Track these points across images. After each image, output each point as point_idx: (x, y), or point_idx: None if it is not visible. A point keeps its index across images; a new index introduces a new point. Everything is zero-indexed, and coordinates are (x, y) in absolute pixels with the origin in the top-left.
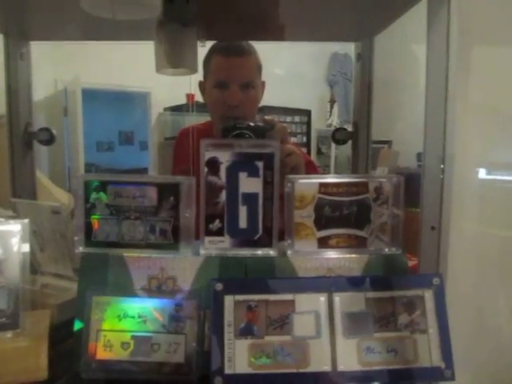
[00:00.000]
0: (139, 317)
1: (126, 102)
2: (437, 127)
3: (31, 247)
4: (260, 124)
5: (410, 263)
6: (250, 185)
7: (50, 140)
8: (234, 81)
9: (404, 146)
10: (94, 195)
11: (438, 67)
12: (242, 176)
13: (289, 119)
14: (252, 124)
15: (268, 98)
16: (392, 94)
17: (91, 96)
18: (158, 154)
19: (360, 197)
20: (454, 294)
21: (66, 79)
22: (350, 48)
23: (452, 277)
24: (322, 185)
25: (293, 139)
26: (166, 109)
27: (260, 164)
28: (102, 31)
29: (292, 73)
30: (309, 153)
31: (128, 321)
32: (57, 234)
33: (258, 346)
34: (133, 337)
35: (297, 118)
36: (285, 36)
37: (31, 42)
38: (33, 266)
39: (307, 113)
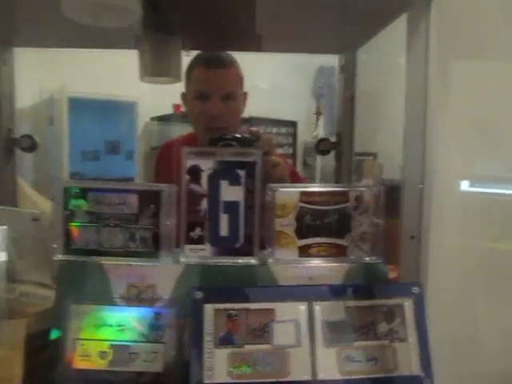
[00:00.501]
0: (118, 326)
1: (113, 111)
2: (417, 139)
3: (10, 255)
4: (246, 135)
5: (391, 275)
6: (231, 193)
7: (32, 147)
8: (214, 92)
9: (388, 159)
10: (73, 202)
11: (418, 80)
12: (224, 184)
13: (275, 130)
14: (238, 135)
15: (255, 110)
16: (376, 107)
17: (77, 105)
18: (143, 163)
19: (341, 206)
20: (435, 304)
21: (52, 88)
22: (335, 61)
23: (433, 286)
24: (303, 194)
25: (279, 150)
26: (152, 118)
27: (242, 172)
28: (87, 39)
29: (279, 85)
30: (295, 164)
31: (106, 330)
32: (36, 242)
33: (238, 355)
34: (111, 346)
35: (283, 130)
36: (268, 47)
37: (15, 48)
38: (11, 274)
39: (293, 124)
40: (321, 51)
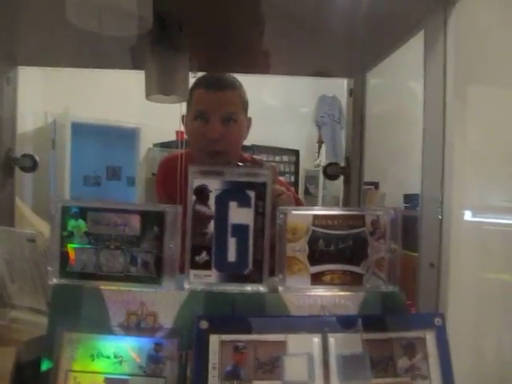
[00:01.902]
0: (115, 357)
1: (116, 137)
2: (434, 167)
3: (2, 277)
4: (248, 164)
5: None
6: (240, 215)
7: (32, 167)
8: (214, 113)
9: (391, 188)
10: (72, 222)
11: (435, 105)
12: (233, 206)
13: (277, 159)
14: (240, 164)
15: (257, 138)
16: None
17: (80, 130)
18: (145, 189)
19: (356, 230)
20: (453, 335)
21: (55, 112)
22: (337, 90)
23: (452, 317)
24: (316, 217)
25: (281, 178)
26: (155, 145)
27: (252, 193)
28: (92, 58)
29: (281, 114)
30: (297, 192)
31: (102, 361)
32: (31, 264)
33: None
34: (106, 379)
35: (285, 158)
36: (277, 70)
37: (19, 67)
38: (3, 298)
39: (295, 153)
40: (330, 75)
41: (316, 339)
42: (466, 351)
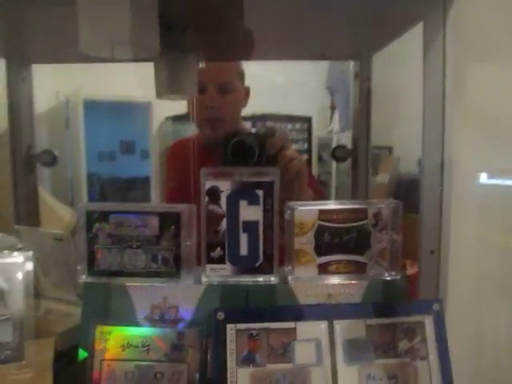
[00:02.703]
0: (142, 346)
1: (128, 112)
2: (435, 140)
3: (34, 272)
4: (260, 130)
5: (412, 270)
6: (250, 213)
7: (52, 162)
8: (210, 83)
9: (405, 152)
10: (96, 225)
11: (435, 83)
12: (243, 204)
13: (290, 127)
14: (252, 131)
15: (268, 106)
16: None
17: (93, 107)
18: (159, 162)
19: (359, 223)
20: (452, 318)
21: (67, 91)
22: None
23: (451, 301)
24: (321, 212)
25: (294, 146)
26: (167, 118)
27: (260, 192)
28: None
29: (292, 81)
30: (310, 159)
31: (131, 350)
32: (60, 261)
33: (260, 374)
34: (136, 366)
35: (298, 125)
36: (281, 55)
37: (33, 66)
38: (36, 291)
39: (308, 120)
40: (334, 58)
41: (323, 326)
42: (466, 332)
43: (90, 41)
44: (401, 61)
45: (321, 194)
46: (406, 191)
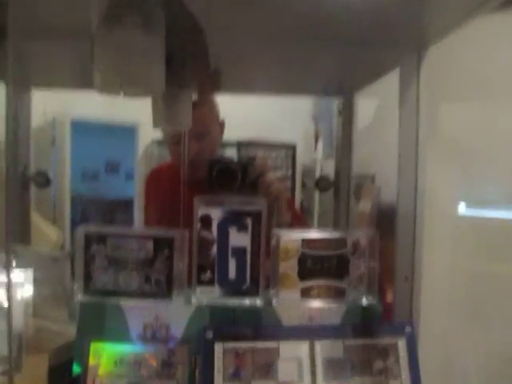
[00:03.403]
0: (134, 362)
1: (115, 133)
2: (409, 179)
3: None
4: (242, 159)
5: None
6: (239, 239)
7: (45, 184)
8: (187, 134)
9: (386, 181)
10: (94, 247)
11: (410, 118)
12: (232, 231)
13: (274, 154)
14: (235, 160)
15: (253, 134)
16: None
17: (80, 127)
18: (144, 184)
19: (339, 251)
20: (424, 341)
21: (55, 110)
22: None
23: (424, 323)
24: (304, 241)
25: (278, 173)
26: (153, 141)
27: (248, 220)
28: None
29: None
30: (293, 185)
31: (124, 366)
32: (54, 280)
33: None
34: (128, 382)
35: (282, 153)
36: (268, 91)
37: (33, 89)
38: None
39: (292, 148)
40: (319, 94)
41: (304, 345)
42: (437, 354)
43: (104, 83)
44: (381, 98)
45: (298, 218)
46: (390, 219)
